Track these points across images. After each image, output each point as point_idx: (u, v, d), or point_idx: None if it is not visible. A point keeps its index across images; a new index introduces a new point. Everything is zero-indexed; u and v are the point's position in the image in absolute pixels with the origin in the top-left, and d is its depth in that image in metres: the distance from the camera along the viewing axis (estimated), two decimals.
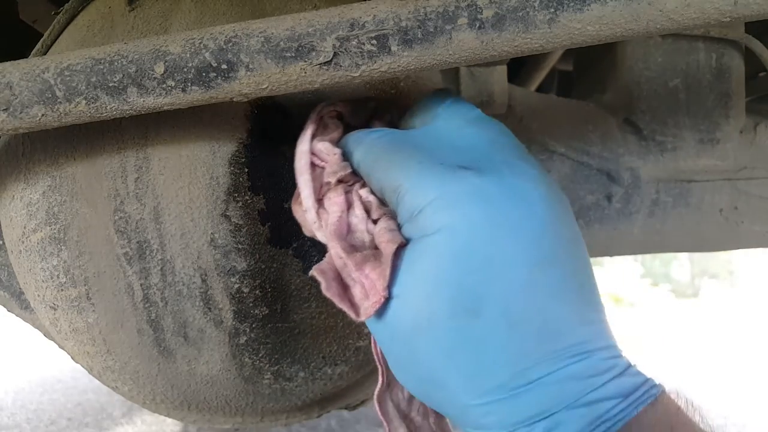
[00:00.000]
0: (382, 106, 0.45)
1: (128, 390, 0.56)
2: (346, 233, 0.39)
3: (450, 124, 0.39)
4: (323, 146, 0.41)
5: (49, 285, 0.50)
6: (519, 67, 1.26)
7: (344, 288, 0.37)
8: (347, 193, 0.40)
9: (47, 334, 0.61)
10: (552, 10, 0.36)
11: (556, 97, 0.77)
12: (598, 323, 0.33)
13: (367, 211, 0.39)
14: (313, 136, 0.42)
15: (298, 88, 0.39)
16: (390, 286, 0.34)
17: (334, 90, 0.49)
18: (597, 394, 0.31)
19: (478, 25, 0.36)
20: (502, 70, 0.56)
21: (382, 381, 0.42)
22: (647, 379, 0.33)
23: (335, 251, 0.37)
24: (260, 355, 0.51)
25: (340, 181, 0.40)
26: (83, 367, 0.57)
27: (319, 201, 0.40)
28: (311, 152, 0.41)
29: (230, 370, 0.52)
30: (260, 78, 0.38)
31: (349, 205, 0.39)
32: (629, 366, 0.33)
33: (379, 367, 0.41)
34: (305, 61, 0.38)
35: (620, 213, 0.72)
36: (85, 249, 0.48)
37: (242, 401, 0.55)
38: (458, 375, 0.32)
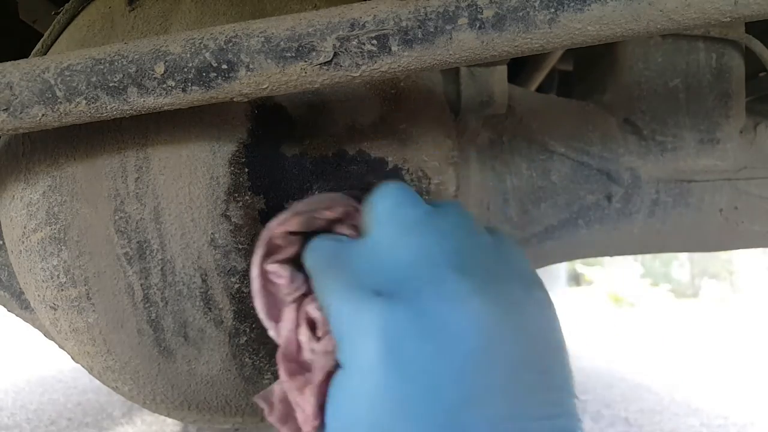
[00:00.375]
0: (345, 213, 0.43)
1: (128, 390, 0.56)
2: (296, 352, 0.39)
3: (386, 232, 0.36)
4: (273, 268, 0.42)
5: (49, 285, 0.50)
6: (519, 67, 1.26)
7: (290, 411, 0.37)
8: (298, 310, 0.40)
9: (47, 334, 0.61)
10: (552, 10, 0.36)
11: (556, 97, 0.77)
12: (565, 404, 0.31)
13: (314, 329, 0.39)
14: (265, 257, 0.42)
15: (299, 88, 0.39)
16: (322, 414, 0.34)
17: (333, 90, 0.49)
18: None
19: (478, 25, 0.36)
20: (502, 70, 0.56)
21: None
22: None
23: (280, 374, 0.38)
24: (260, 355, 0.51)
25: (297, 299, 0.41)
26: (83, 367, 0.57)
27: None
28: (265, 273, 0.42)
29: (230, 370, 0.52)
30: (260, 78, 0.38)
31: (299, 323, 0.40)
32: None
33: None
34: (305, 61, 0.38)
35: (620, 213, 0.72)
36: (85, 249, 0.48)
37: (242, 401, 0.55)
38: None
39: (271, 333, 0.41)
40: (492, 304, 0.31)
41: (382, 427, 0.29)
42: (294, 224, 0.42)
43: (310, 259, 0.40)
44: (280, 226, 0.42)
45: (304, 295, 0.41)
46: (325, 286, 0.36)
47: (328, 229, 0.43)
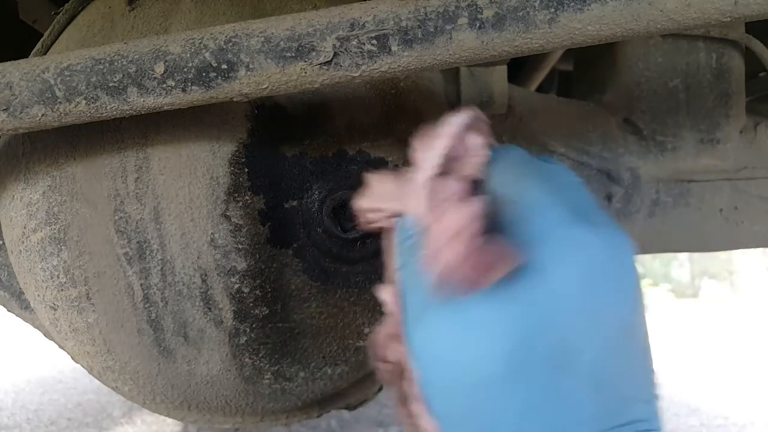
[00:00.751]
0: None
1: (128, 390, 0.56)
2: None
3: (555, 165, 0.37)
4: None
5: (49, 285, 0.50)
6: (519, 67, 1.26)
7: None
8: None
9: (47, 334, 0.60)
10: (552, 10, 0.36)
11: (556, 97, 0.77)
12: (654, 403, 0.33)
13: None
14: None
15: (298, 88, 0.39)
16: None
17: (333, 90, 0.49)
18: None
19: (478, 25, 0.36)
20: (502, 70, 0.56)
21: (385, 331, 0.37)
22: None
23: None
24: (260, 355, 0.51)
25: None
26: (83, 367, 0.56)
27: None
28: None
29: (230, 370, 0.52)
30: (260, 78, 0.38)
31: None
32: None
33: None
34: (305, 61, 0.38)
35: (620, 213, 0.72)
36: (85, 249, 0.48)
37: (242, 401, 0.55)
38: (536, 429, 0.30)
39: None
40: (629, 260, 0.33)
41: (565, 337, 0.30)
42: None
43: (501, 162, 0.37)
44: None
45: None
46: (536, 191, 0.34)
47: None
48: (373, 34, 0.37)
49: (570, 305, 0.30)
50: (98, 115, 0.40)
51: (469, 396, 0.30)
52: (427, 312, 0.32)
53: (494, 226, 0.33)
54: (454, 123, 0.36)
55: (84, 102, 0.39)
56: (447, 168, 0.35)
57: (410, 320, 0.33)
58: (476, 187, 0.36)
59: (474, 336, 0.30)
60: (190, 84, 0.39)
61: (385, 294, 0.36)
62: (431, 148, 0.35)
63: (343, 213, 0.49)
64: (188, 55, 0.38)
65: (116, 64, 0.39)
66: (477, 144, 0.36)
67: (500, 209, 0.34)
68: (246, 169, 0.48)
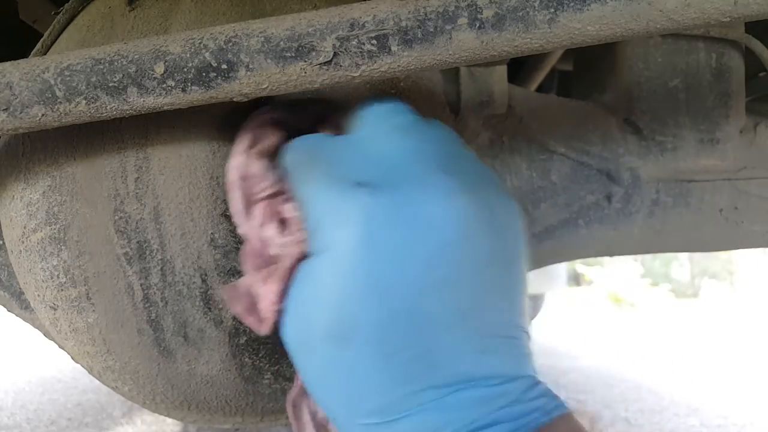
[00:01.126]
0: (327, 109, 0.44)
1: (128, 390, 0.56)
2: (262, 248, 0.39)
3: (376, 131, 0.37)
4: (249, 161, 0.41)
5: (49, 285, 0.50)
6: (519, 67, 1.26)
7: (254, 302, 0.38)
8: (270, 206, 0.40)
9: (47, 334, 0.61)
10: (552, 10, 0.36)
11: (556, 97, 0.77)
12: (496, 352, 0.31)
13: (285, 226, 0.39)
14: (250, 147, 0.41)
15: (298, 88, 0.39)
16: (283, 300, 0.35)
17: (333, 90, 0.49)
18: (482, 421, 0.29)
19: (478, 25, 0.36)
20: (502, 70, 0.56)
21: (298, 386, 0.42)
22: (545, 403, 0.31)
23: (244, 269, 0.39)
24: (260, 355, 0.51)
25: (269, 196, 0.40)
26: (83, 367, 0.56)
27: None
28: (243, 166, 0.41)
29: (230, 370, 0.52)
30: (260, 78, 0.38)
31: (268, 220, 0.39)
32: (530, 388, 0.31)
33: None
34: (305, 61, 0.38)
35: (620, 213, 0.72)
36: (85, 249, 0.48)
37: (242, 401, 0.55)
38: (333, 398, 0.32)
39: (241, 230, 0.41)
40: (472, 203, 0.32)
41: (342, 306, 0.31)
42: (282, 112, 0.42)
43: (289, 155, 0.39)
44: (266, 113, 0.42)
45: (277, 194, 0.40)
46: (304, 177, 0.36)
47: (311, 128, 0.43)
48: (373, 34, 0.37)
49: (346, 281, 0.31)
50: (98, 115, 0.40)
51: (295, 362, 0.35)
52: None
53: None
54: (231, 156, 0.42)
55: (84, 102, 0.39)
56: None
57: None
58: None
59: (290, 319, 0.35)
60: (190, 84, 0.39)
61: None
62: (229, 191, 0.41)
63: None
64: (188, 55, 0.38)
65: (116, 64, 0.39)
66: (250, 164, 0.41)
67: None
68: None
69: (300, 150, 0.39)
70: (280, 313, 0.36)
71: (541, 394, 0.31)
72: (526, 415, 0.30)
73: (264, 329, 0.36)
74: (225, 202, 0.48)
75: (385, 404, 0.30)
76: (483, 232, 0.32)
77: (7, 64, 0.40)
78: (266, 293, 0.36)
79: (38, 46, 0.53)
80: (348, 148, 0.37)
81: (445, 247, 0.31)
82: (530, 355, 0.33)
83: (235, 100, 0.40)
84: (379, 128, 0.37)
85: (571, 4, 0.36)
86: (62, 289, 0.49)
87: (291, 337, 0.35)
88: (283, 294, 0.35)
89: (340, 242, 0.31)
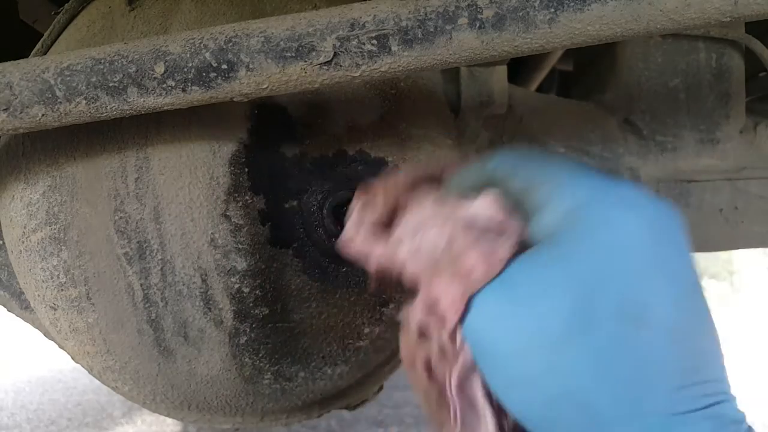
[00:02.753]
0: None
1: (128, 390, 0.56)
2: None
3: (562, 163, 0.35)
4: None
5: (49, 285, 0.50)
6: (519, 67, 1.26)
7: (434, 305, 0.33)
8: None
9: (47, 334, 0.61)
10: (552, 10, 0.36)
11: (556, 97, 0.77)
12: (725, 369, 0.31)
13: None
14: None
15: (299, 88, 0.39)
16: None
17: (333, 90, 0.49)
18: None
19: (478, 25, 0.36)
20: (502, 70, 0.56)
21: (462, 363, 0.34)
22: None
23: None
24: (260, 355, 0.51)
25: None
26: (83, 367, 0.56)
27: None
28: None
29: (230, 370, 0.52)
30: (260, 78, 0.38)
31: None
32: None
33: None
34: (305, 61, 0.38)
35: None
36: (85, 249, 0.48)
37: (242, 401, 0.55)
38: (610, 391, 0.28)
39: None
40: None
41: (633, 289, 0.28)
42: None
43: (496, 159, 0.35)
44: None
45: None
46: (542, 167, 0.33)
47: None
48: (373, 34, 0.37)
49: (636, 259, 0.29)
50: (98, 115, 0.40)
51: (536, 360, 0.29)
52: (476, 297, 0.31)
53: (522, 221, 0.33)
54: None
55: (84, 102, 0.39)
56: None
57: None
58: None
59: (530, 302, 0.29)
60: (190, 84, 0.39)
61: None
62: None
63: (343, 213, 0.49)
64: (188, 55, 0.38)
65: (116, 64, 0.39)
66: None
67: (520, 203, 0.33)
68: (246, 169, 0.48)
69: (516, 152, 0.36)
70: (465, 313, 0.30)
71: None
72: None
73: (448, 326, 0.31)
74: (225, 202, 0.48)
75: (667, 399, 0.28)
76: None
77: (7, 64, 0.40)
78: (448, 293, 0.31)
79: (38, 46, 0.53)
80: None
81: (691, 253, 0.31)
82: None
83: (235, 100, 0.40)
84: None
85: (572, 4, 0.36)
86: (62, 289, 0.49)
87: (551, 327, 0.29)
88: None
89: (626, 221, 0.29)
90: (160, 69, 0.38)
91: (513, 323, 0.29)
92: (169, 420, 1.77)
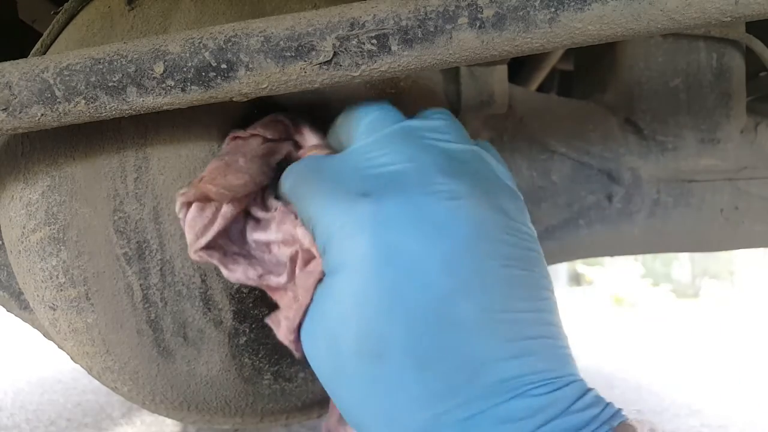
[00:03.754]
0: (298, 120, 0.45)
1: (128, 390, 0.55)
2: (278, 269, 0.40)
3: (369, 142, 0.36)
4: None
5: (49, 285, 0.49)
6: (519, 67, 1.26)
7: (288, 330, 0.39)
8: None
9: (46, 335, 0.60)
10: (553, 9, 0.36)
11: (557, 97, 0.77)
12: (535, 354, 0.30)
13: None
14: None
15: (298, 88, 0.39)
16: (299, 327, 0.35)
17: (333, 90, 0.49)
18: None
19: (478, 24, 0.36)
20: (502, 70, 0.56)
21: (335, 414, 0.43)
22: (601, 413, 0.29)
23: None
24: (260, 355, 0.51)
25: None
26: (82, 367, 0.56)
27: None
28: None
29: (230, 370, 0.52)
30: (260, 77, 0.38)
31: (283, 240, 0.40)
32: (582, 396, 0.29)
33: None
34: (305, 61, 0.38)
35: (621, 213, 0.72)
36: (84, 249, 0.48)
37: (242, 402, 0.55)
38: (375, 420, 0.30)
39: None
40: (480, 204, 0.31)
41: (369, 323, 0.29)
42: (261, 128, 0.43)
43: (287, 181, 0.39)
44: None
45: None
46: (309, 197, 0.35)
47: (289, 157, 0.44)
48: (373, 34, 0.37)
49: (366, 295, 0.30)
50: (97, 115, 0.40)
51: (327, 388, 0.34)
52: None
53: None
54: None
55: (83, 102, 0.39)
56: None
57: None
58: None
59: (309, 350, 0.35)
60: (189, 84, 0.39)
61: None
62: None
63: None
64: (188, 55, 0.38)
65: (115, 63, 0.39)
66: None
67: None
68: None
69: (298, 173, 0.38)
70: (297, 340, 0.36)
71: (593, 401, 0.30)
72: (583, 427, 0.28)
73: (298, 354, 0.37)
74: None
75: (430, 420, 0.28)
76: (497, 232, 0.31)
77: (7, 64, 0.40)
78: (284, 320, 0.37)
79: (37, 45, 0.53)
80: (346, 163, 0.36)
81: (461, 249, 0.30)
82: (570, 355, 0.32)
83: (234, 99, 0.40)
84: (371, 139, 0.37)
85: (572, 3, 0.36)
86: (61, 290, 0.49)
87: (320, 361, 0.33)
88: (301, 318, 0.35)
89: (353, 254, 0.30)
90: (159, 69, 0.38)
91: (311, 357, 0.35)
92: (168, 420, 1.77)
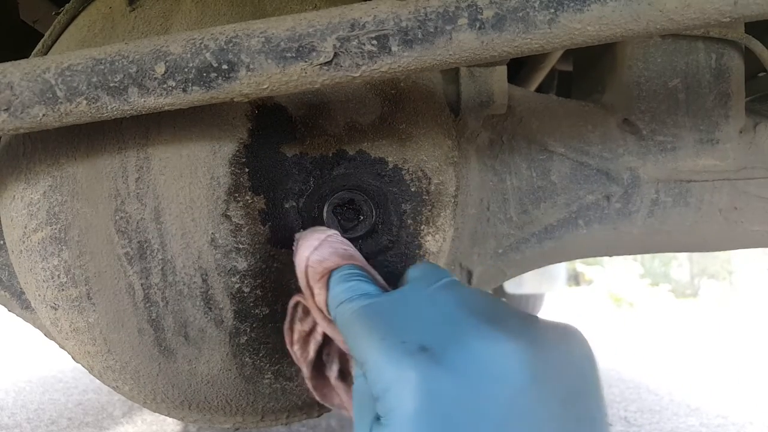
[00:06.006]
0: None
1: (129, 389, 0.56)
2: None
3: (420, 287, 0.38)
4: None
5: (50, 285, 0.50)
6: (519, 67, 1.26)
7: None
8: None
9: (48, 334, 0.61)
10: (552, 10, 0.36)
11: (556, 97, 0.77)
12: None
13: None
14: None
15: (299, 89, 0.39)
16: None
17: (334, 90, 0.49)
18: None
19: (478, 25, 0.36)
20: (502, 70, 0.56)
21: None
22: None
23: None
24: (261, 354, 0.51)
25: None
26: (84, 366, 0.57)
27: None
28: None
29: (231, 369, 0.52)
30: (261, 78, 0.38)
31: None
32: None
33: None
34: (306, 62, 0.38)
35: (620, 213, 0.72)
36: (85, 249, 0.48)
37: (243, 401, 0.55)
38: None
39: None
40: (531, 343, 0.31)
41: None
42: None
43: (336, 311, 0.39)
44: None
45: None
46: (358, 339, 0.36)
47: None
48: (373, 35, 0.37)
49: None
50: (99, 115, 0.40)
51: None
52: None
53: None
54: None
55: (85, 102, 0.39)
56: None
57: None
58: None
59: None
60: (190, 84, 0.39)
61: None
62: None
63: (343, 213, 0.49)
64: (189, 56, 0.38)
65: (117, 64, 0.39)
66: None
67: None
68: (246, 169, 0.48)
69: (349, 307, 0.38)
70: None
71: None
72: None
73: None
74: (225, 201, 0.48)
75: None
76: (552, 369, 0.31)
77: (8, 65, 0.40)
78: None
79: (39, 46, 0.53)
80: (397, 306, 0.37)
81: (519, 401, 0.29)
82: None
83: (235, 100, 0.40)
84: (422, 284, 0.38)
85: (571, 4, 0.36)
86: (63, 289, 0.49)
87: None
88: None
89: (411, 419, 0.30)
90: (160, 69, 0.38)
91: None
92: (169, 419, 1.77)
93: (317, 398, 0.45)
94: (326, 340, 0.44)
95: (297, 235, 0.46)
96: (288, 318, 0.46)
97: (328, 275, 0.41)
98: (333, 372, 0.45)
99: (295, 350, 0.45)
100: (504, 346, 0.31)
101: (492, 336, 0.31)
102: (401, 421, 0.30)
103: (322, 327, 0.42)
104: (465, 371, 0.30)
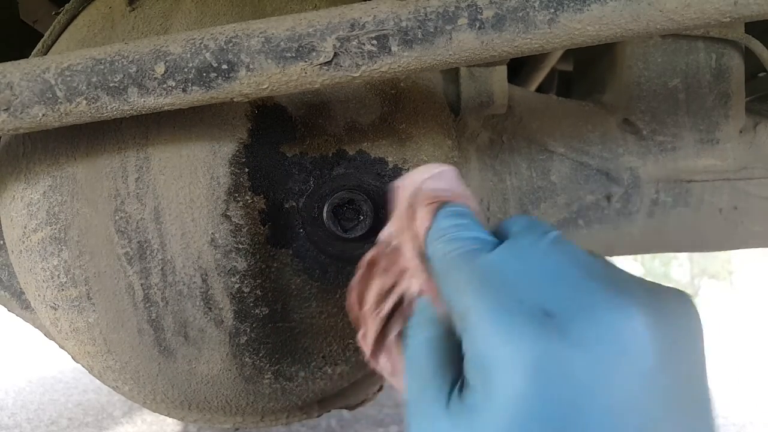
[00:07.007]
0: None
1: (129, 389, 0.56)
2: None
3: (530, 241, 0.32)
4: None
5: (50, 285, 0.50)
6: (519, 67, 1.26)
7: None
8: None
9: (48, 334, 0.61)
10: (552, 10, 0.36)
11: (556, 97, 0.77)
12: None
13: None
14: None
15: (299, 89, 0.39)
16: None
17: (334, 90, 0.49)
18: None
19: (478, 25, 0.36)
20: (502, 70, 0.56)
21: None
22: None
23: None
24: (261, 354, 0.51)
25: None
26: (84, 366, 0.57)
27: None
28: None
29: (231, 369, 0.52)
30: (261, 78, 0.38)
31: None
32: None
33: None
34: (305, 62, 0.38)
35: (620, 213, 0.72)
36: (85, 249, 0.48)
37: (243, 401, 0.55)
38: None
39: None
40: (661, 317, 0.27)
41: None
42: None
43: (445, 253, 0.33)
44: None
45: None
46: (469, 291, 0.30)
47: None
48: (373, 35, 0.37)
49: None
50: (99, 115, 0.40)
51: None
52: None
53: None
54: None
55: (85, 102, 0.39)
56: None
57: None
58: None
59: None
60: (190, 84, 0.39)
61: None
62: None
63: (343, 213, 0.49)
64: (189, 56, 0.38)
65: (117, 64, 0.39)
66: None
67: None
68: (246, 169, 0.48)
69: (450, 252, 0.33)
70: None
71: None
72: None
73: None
74: (225, 202, 0.48)
75: None
76: (676, 358, 0.27)
77: (8, 64, 0.40)
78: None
79: (39, 46, 0.53)
80: (509, 259, 0.31)
81: (647, 383, 0.26)
82: None
83: (235, 100, 0.40)
84: (532, 239, 0.32)
85: (571, 4, 0.36)
86: (63, 289, 0.49)
87: None
88: None
89: (529, 397, 0.25)
90: (160, 69, 0.39)
91: None
92: (169, 420, 1.77)
93: (368, 356, 0.40)
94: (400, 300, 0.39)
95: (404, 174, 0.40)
96: (360, 273, 0.40)
97: (438, 206, 0.36)
98: (393, 332, 0.40)
99: (365, 310, 0.39)
100: (636, 321, 0.26)
101: (624, 307, 0.26)
102: (506, 400, 0.25)
103: (413, 264, 0.36)
104: (595, 348, 0.25)
